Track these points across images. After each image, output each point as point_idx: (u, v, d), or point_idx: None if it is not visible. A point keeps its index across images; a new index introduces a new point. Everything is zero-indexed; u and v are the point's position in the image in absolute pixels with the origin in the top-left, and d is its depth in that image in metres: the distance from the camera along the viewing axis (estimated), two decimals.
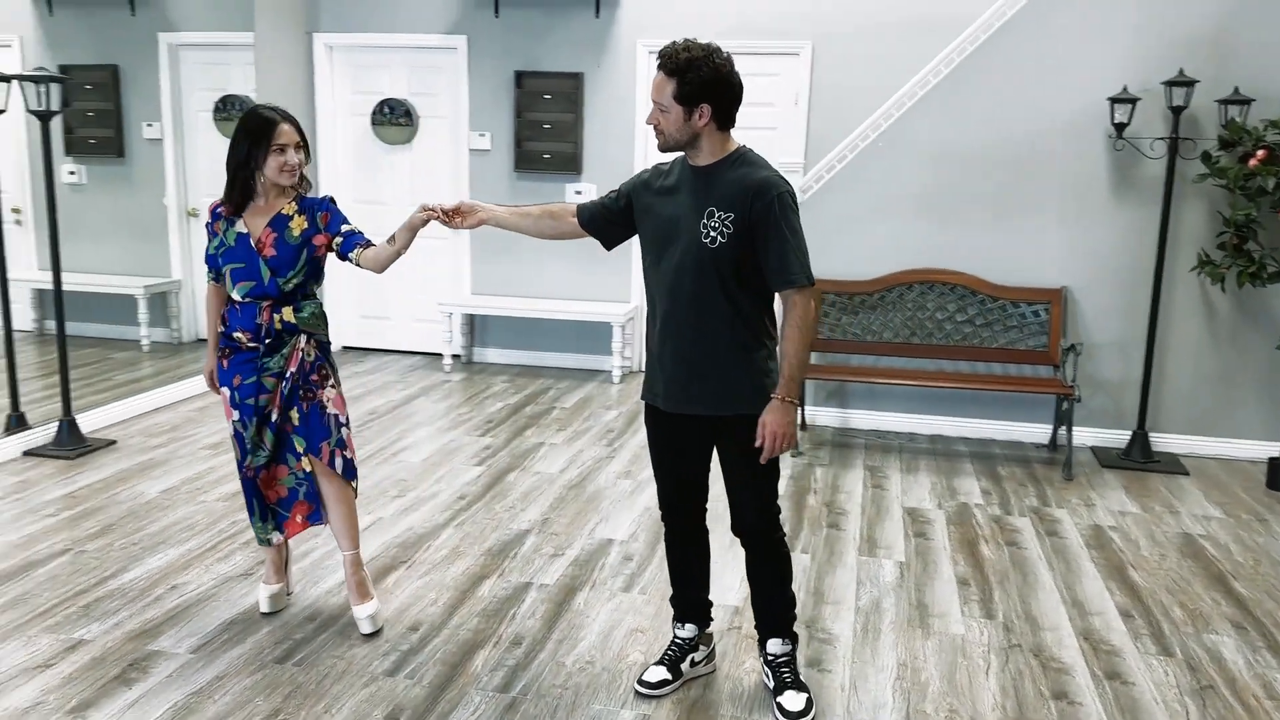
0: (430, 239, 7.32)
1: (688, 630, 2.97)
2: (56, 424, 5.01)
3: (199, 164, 7.04)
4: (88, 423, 5.23)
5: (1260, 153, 4.70)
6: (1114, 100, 5.05)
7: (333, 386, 3.17)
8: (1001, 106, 5.37)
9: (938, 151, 5.47)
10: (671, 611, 3.03)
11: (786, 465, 5.03)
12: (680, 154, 2.75)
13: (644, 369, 2.94)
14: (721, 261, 2.62)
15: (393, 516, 4.23)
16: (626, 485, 4.66)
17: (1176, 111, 4.97)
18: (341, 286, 7.51)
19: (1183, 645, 3.26)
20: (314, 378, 3.12)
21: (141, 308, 6.78)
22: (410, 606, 3.42)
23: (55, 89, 4.83)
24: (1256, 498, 4.73)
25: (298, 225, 3.06)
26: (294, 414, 3.11)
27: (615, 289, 6.99)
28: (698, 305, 2.66)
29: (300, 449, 3.14)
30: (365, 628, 3.20)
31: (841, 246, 5.63)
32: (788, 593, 2.86)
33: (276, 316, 3.05)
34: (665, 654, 2.98)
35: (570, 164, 6.89)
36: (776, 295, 2.71)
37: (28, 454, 4.91)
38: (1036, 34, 5.26)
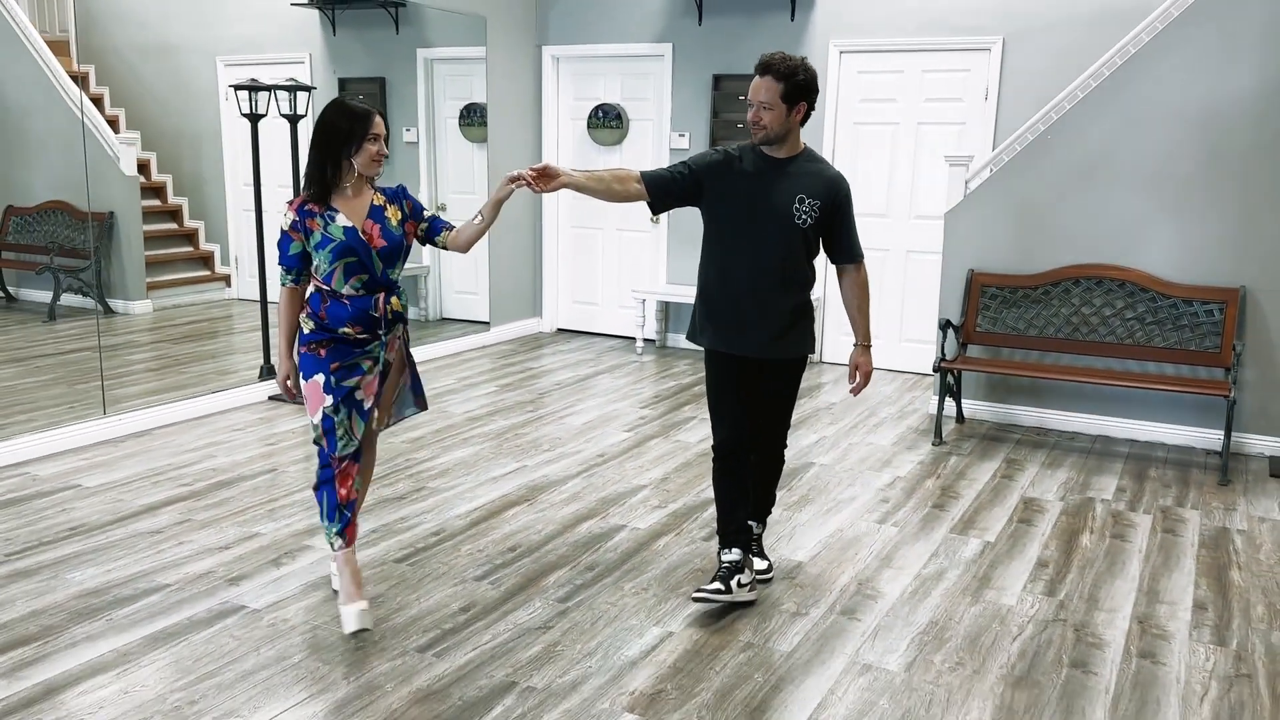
0: (632, 231, 7.93)
1: (735, 554, 3.36)
2: None
3: (448, 164, 8.03)
4: None
5: None
6: None
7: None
8: (1179, 96, 5.18)
9: (1108, 144, 5.35)
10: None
11: (921, 450, 5.15)
12: (749, 145, 3.31)
13: (707, 325, 3.35)
14: (807, 239, 3.26)
15: (534, 465, 4.81)
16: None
17: None
18: (558, 274, 8.27)
19: (1243, 639, 3.19)
20: (405, 359, 3.30)
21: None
22: (516, 533, 3.96)
23: (302, 96, 5.82)
24: None
25: (394, 214, 3.13)
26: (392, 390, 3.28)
27: None
28: (784, 272, 3.27)
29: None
30: (359, 623, 3.08)
31: (1005, 241, 5.63)
32: (775, 491, 3.60)
33: (388, 306, 3.09)
34: (717, 574, 3.35)
35: None
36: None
37: (272, 398, 5.93)
38: (1219, 16, 5.03)
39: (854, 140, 7.00)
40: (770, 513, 3.65)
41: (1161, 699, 2.82)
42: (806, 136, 6.87)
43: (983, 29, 6.48)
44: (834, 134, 7.02)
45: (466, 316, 8.12)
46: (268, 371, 6.04)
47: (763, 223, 3.22)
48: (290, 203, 3.09)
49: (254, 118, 5.84)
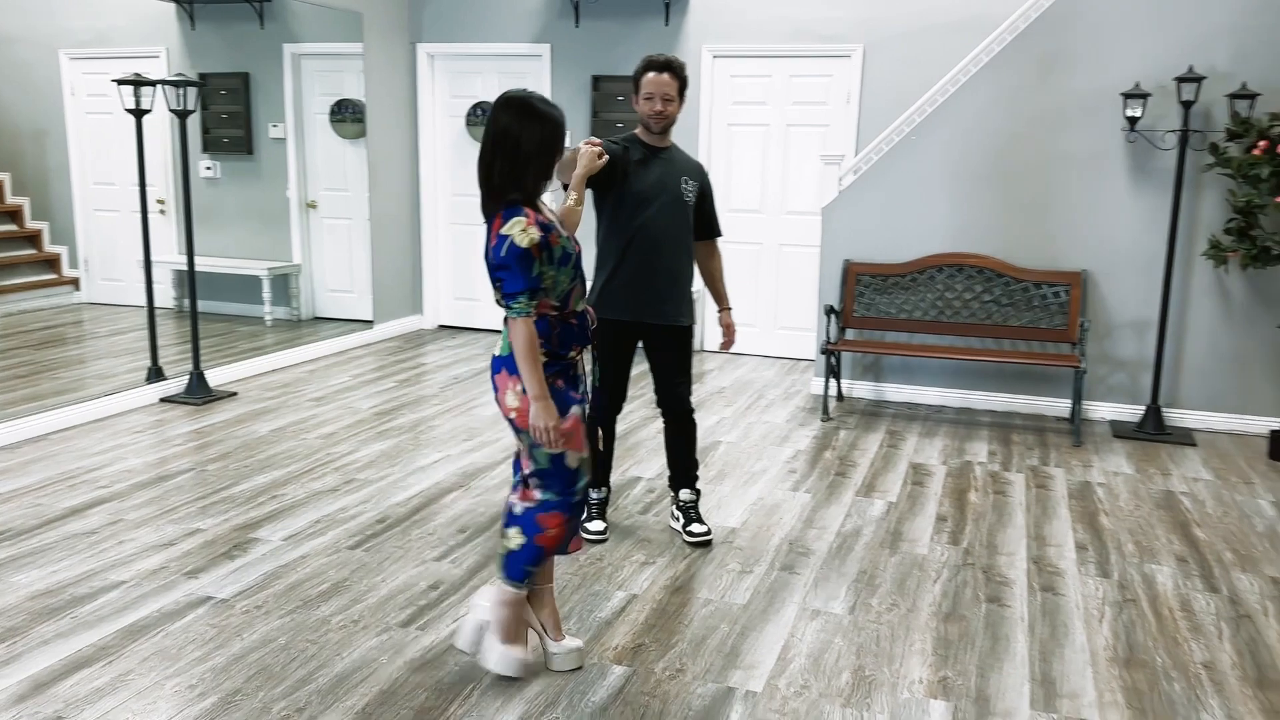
0: None
1: (603, 492, 3.98)
2: (188, 376, 5.92)
3: (317, 161, 7.95)
4: (214, 378, 6.13)
5: (1262, 143, 5.03)
6: (1127, 95, 5.43)
7: None
8: (1026, 101, 5.79)
9: (965, 144, 5.92)
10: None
11: (812, 426, 5.58)
12: (629, 136, 3.72)
13: (618, 299, 3.66)
14: (691, 214, 3.77)
15: (458, 454, 4.94)
16: (657, 440, 5.27)
17: (1186, 106, 5.32)
18: (438, 271, 8.34)
19: (1123, 571, 3.71)
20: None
21: (265, 288, 7.70)
22: (461, 516, 4.11)
23: (192, 92, 5.73)
24: (1254, 466, 5.05)
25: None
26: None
27: None
28: (679, 245, 3.74)
29: None
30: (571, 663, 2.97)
31: (876, 233, 6.13)
32: (695, 454, 3.94)
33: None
34: (592, 512, 3.91)
35: None
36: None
37: (164, 400, 5.81)
38: (1058, 32, 5.66)
39: (727, 140, 7.40)
40: (698, 478, 4.00)
41: (1068, 623, 3.28)
42: (684, 135, 7.24)
43: (844, 37, 6.99)
44: (709, 134, 7.40)
45: (342, 315, 8.08)
46: (155, 374, 5.90)
47: (664, 202, 3.67)
48: (526, 215, 2.60)
49: (139, 113, 5.70)
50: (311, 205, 7.96)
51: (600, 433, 3.88)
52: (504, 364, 2.71)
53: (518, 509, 2.82)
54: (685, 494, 3.95)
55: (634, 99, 3.70)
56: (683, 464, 3.94)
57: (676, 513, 3.98)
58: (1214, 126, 5.44)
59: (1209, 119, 5.44)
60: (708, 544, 3.83)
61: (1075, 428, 5.43)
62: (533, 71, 7.82)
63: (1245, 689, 2.88)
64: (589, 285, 3.79)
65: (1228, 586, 3.58)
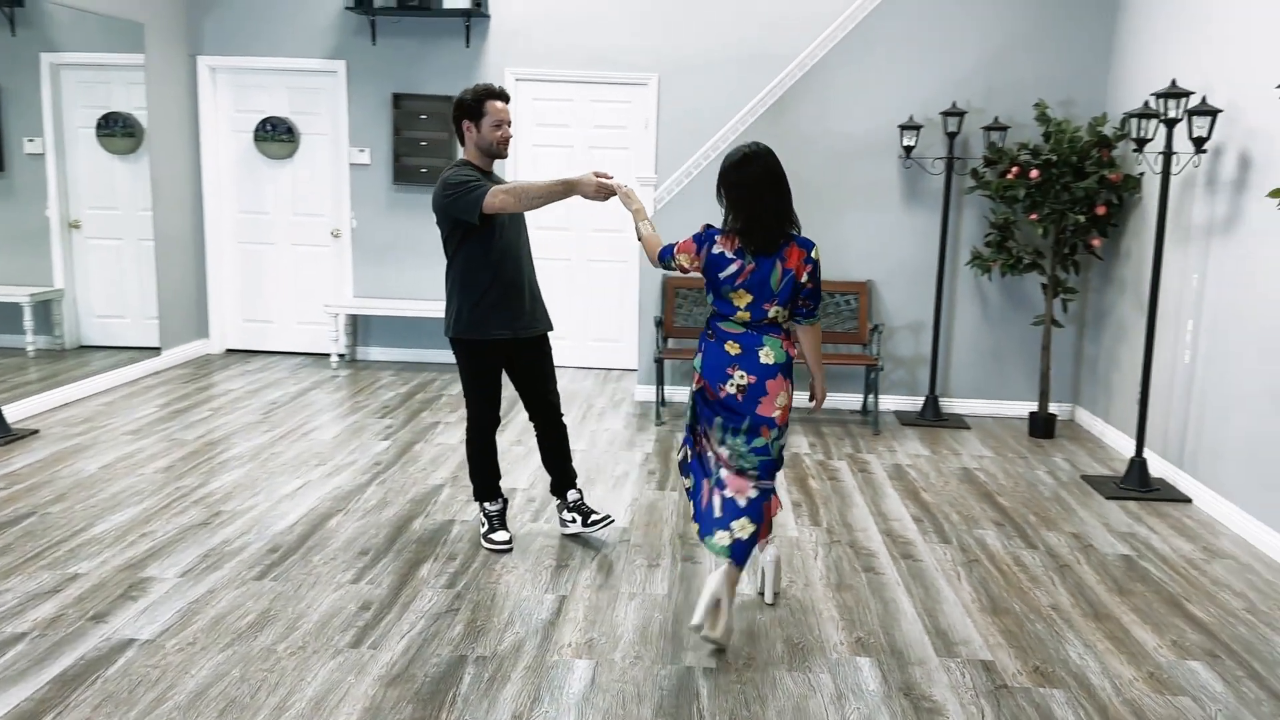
0: (308, 246, 7.91)
1: (499, 503, 4.13)
2: None
3: (80, 178, 7.41)
4: (7, 415, 5.63)
5: (1014, 169, 5.95)
6: (902, 127, 6.23)
7: None
8: (816, 130, 6.47)
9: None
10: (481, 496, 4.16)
11: (650, 431, 5.96)
12: (462, 162, 3.88)
13: (491, 316, 3.90)
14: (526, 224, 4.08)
15: (319, 479, 4.90)
16: (520, 450, 5.47)
17: (951, 136, 6.18)
18: (223, 292, 7.99)
19: (958, 537, 4.35)
20: None
21: (27, 315, 7.09)
22: (356, 539, 4.13)
23: None
24: (1020, 442, 5.96)
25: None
26: None
27: None
28: (529, 259, 4.05)
29: None
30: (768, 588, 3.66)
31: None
32: (570, 458, 4.23)
33: None
34: (495, 523, 4.08)
35: None
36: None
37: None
38: (848, 64, 6.38)
39: (532, 161, 7.66)
40: (576, 475, 4.27)
41: (935, 583, 3.84)
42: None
43: (640, 66, 7.45)
44: (514, 154, 7.61)
45: (112, 343, 7.57)
46: None
47: (515, 223, 3.93)
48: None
49: None
50: (75, 225, 7.41)
51: (484, 445, 4.07)
52: (781, 370, 3.30)
53: (741, 502, 3.27)
54: (573, 494, 4.19)
55: (470, 126, 3.84)
56: (563, 466, 4.18)
57: (569, 515, 4.17)
58: (971, 154, 6.34)
59: (967, 147, 6.34)
60: (610, 522, 4.13)
61: (874, 419, 6.16)
62: (327, 88, 7.71)
63: (1088, 623, 3.53)
64: (458, 309, 3.92)
65: (1042, 543, 4.30)
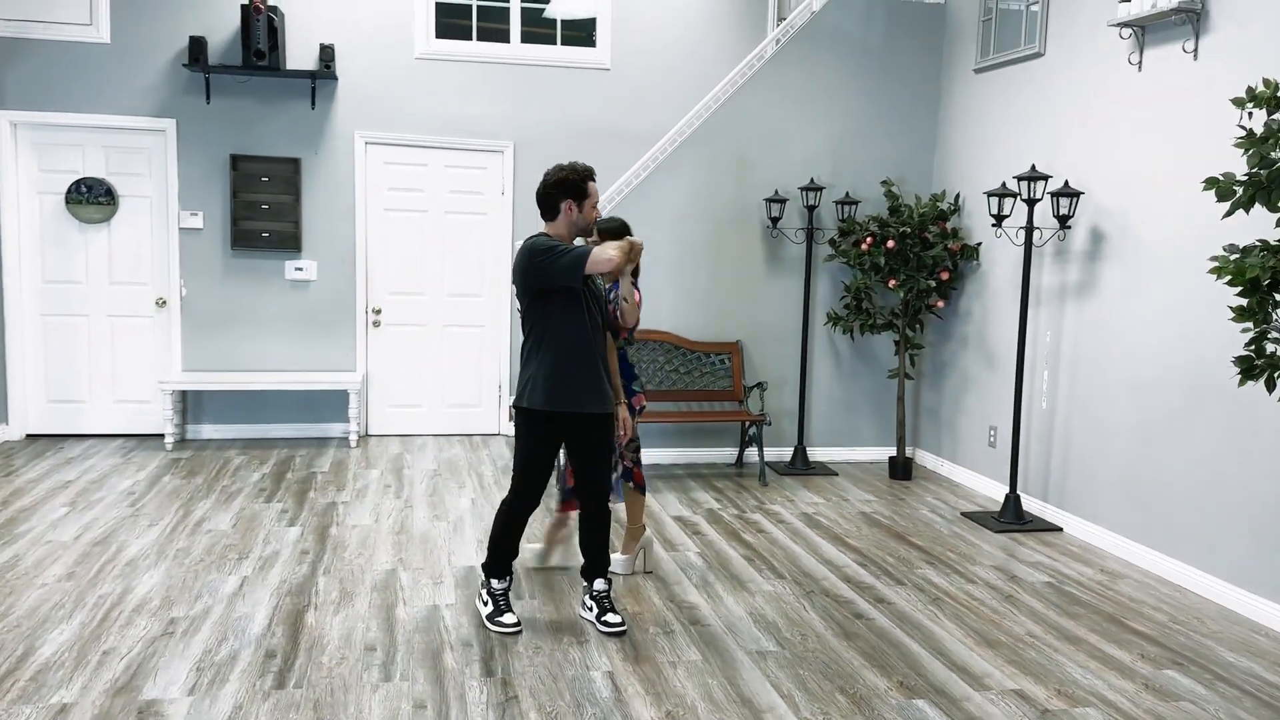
0: (127, 317, 7.25)
1: (506, 582, 4.09)
2: None
3: None
4: None
5: (869, 239, 6.60)
6: (768, 200, 6.74)
7: None
8: (687, 203, 6.84)
9: (648, 239, 6.79)
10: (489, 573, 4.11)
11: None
12: (544, 235, 3.98)
13: (559, 391, 3.89)
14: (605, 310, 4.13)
15: (254, 574, 4.55)
16: (443, 526, 5.34)
17: (810, 209, 6.76)
18: (26, 368, 7.13)
19: (907, 578, 4.77)
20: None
21: None
22: (350, 634, 3.91)
23: None
24: (887, 485, 6.55)
25: None
26: None
27: (339, 360, 7.46)
28: (601, 338, 4.05)
29: None
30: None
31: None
32: (608, 544, 4.14)
33: None
34: (500, 604, 4.03)
35: (290, 242, 7.28)
36: None
37: None
38: (708, 142, 6.81)
39: (384, 225, 7.48)
40: (608, 569, 4.12)
41: (923, 622, 4.20)
42: (339, 219, 7.21)
43: (496, 133, 7.52)
44: (365, 218, 7.41)
45: None
46: None
47: (589, 300, 3.95)
48: None
49: None
50: None
51: (519, 522, 4.04)
52: None
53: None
54: (600, 584, 4.08)
55: (571, 206, 3.91)
56: (598, 552, 4.10)
57: (590, 602, 4.09)
58: (821, 224, 6.95)
59: (819, 219, 6.95)
60: (622, 633, 3.98)
61: (761, 471, 6.55)
62: (153, 147, 7.15)
63: (1067, 645, 4.02)
64: (529, 377, 3.93)
65: (975, 577, 4.80)
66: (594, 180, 3.97)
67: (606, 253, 3.76)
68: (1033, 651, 3.93)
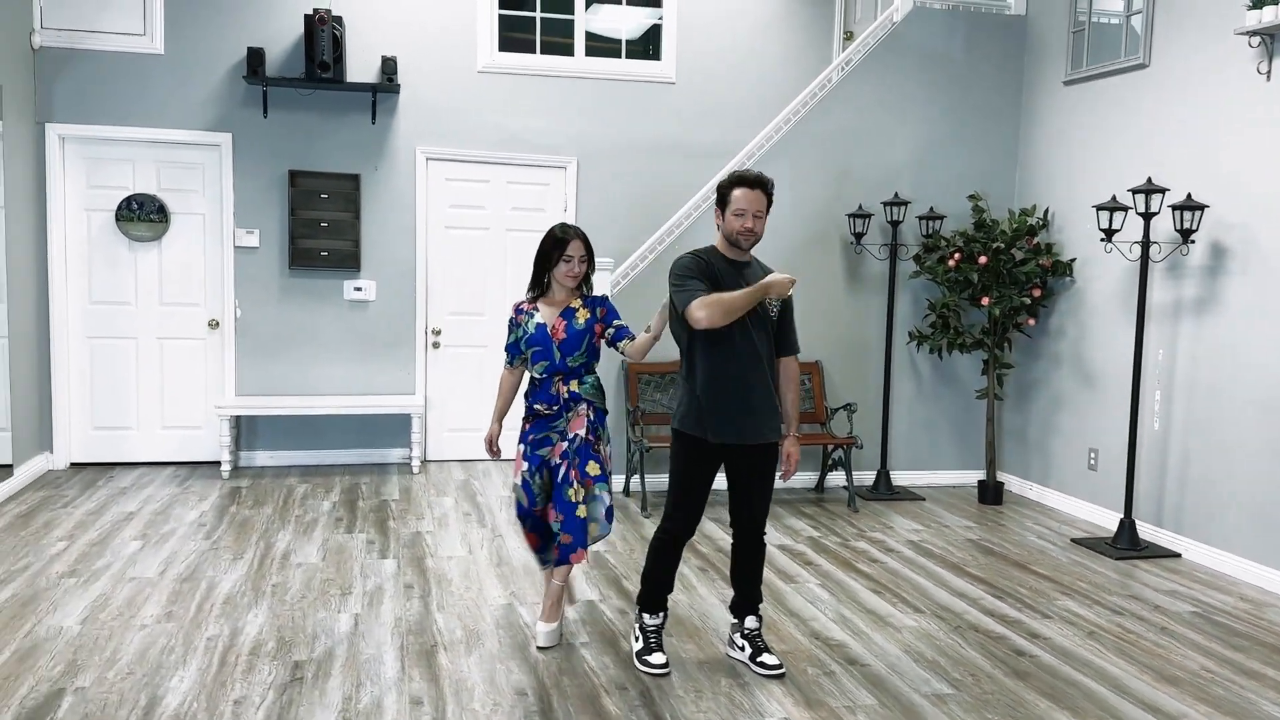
0: (178, 339, 6.95)
1: (659, 618, 3.83)
2: None
3: None
4: None
5: (956, 255, 6.40)
6: (852, 215, 6.54)
7: (604, 445, 3.93)
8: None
9: None
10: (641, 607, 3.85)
11: (640, 522, 5.73)
12: (709, 250, 3.74)
13: (708, 416, 3.62)
14: (772, 329, 3.71)
15: (365, 611, 4.26)
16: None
17: (894, 225, 6.57)
18: (71, 394, 6.80)
19: (1050, 609, 4.53)
20: (590, 437, 3.87)
21: None
22: (493, 676, 3.63)
23: None
24: (979, 510, 6.33)
25: (583, 315, 3.85)
26: (579, 467, 3.84)
27: (398, 383, 7.18)
28: (768, 362, 3.69)
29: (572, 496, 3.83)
30: (543, 641, 3.92)
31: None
32: (761, 580, 3.85)
33: (564, 388, 3.85)
34: (653, 641, 3.78)
35: (350, 261, 7.01)
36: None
37: None
38: (789, 154, 6.60)
39: (444, 243, 7.22)
40: (760, 605, 3.83)
41: (1089, 659, 3.97)
42: (401, 235, 6.96)
43: (558, 149, 7.30)
44: (425, 236, 7.15)
45: None
46: None
47: (748, 318, 3.60)
48: (515, 304, 3.98)
49: None
50: None
51: (671, 553, 3.77)
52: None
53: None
54: (751, 622, 3.80)
55: (719, 213, 3.69)
56: (749, 588, 3.82)
57: (740, 640, 3.82)
58: (901, 240, 6.74)
59: (900, 235, 6.75)
60: (781, 676, 3.71)
61: (850, 498, 6.31)
62: (208, 162, 6.87)
63: (1248, 680, 3.80)
64: (681, 400, 3.72)
65: (1118, 607, 4.58)
66: (748, 186, 3.65)
67: (701, 310, 3.46)
68: (1218, 688, 3.71)
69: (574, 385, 3.88)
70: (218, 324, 6.97)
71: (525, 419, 3.95)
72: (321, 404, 6.86)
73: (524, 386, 4.03)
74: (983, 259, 6.27)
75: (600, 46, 7.40)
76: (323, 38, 6.57)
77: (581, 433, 3.85)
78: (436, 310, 7.25)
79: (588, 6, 7.33)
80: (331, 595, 4.44)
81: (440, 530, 5.52)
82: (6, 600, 4.26)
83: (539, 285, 3.93)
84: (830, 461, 6.64)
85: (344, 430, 7.15)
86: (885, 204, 6.56)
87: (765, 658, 3.74)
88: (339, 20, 6.72)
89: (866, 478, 6.82)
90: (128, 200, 6.78)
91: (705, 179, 6.89)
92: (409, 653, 3.83)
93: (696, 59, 7.44)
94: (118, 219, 6.78)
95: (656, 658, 3.72)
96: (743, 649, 3.82)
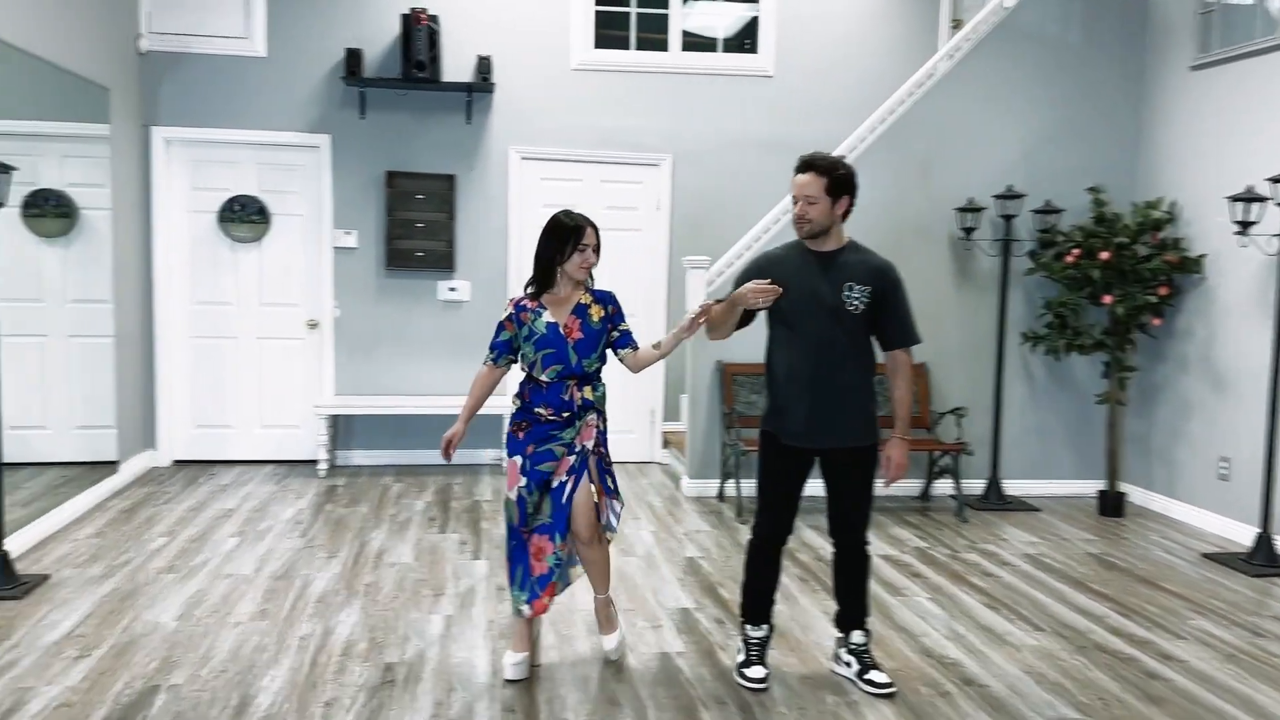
0: (278, 339, 7.00)
1: (763, 630, 3.62)
2: None
3: None
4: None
5: (1075, 251, 6.04)
6: (961, 210, 6.24)
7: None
8: (867, 215, 6.33)
9: None
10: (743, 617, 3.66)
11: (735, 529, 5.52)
12: (793, 244, 3.51)
13: (778, 416, 3.47)
14: (859, 322, 3.40)
15: (457, 613, 4.16)
16: (635, 562, 4.91)
17: (1007, 219, 6.24)
18: (174, 393, 6.91)
19: (1182, 629, 4.19)
20: (600, 449, 3.52)
21: None
22: (601, 688, 3.49)
23: None
24: (1099, 522, 5.95)
25: (597, 313, 3.46)
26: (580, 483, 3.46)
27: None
28: (840, 359, 3.40)
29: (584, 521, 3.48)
30: (613, 654, 3.68)
31: (745, 333, 6.28)
32: (865, 594, 3.60)
33: (579, 394, 3.42)
34: (753, 654, 3.57)
35: (444, 262, 6.99)
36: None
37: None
38: (889, 157, 6.33)
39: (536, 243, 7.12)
40: (866, 619, 3.61)
41: (1232, 685, 3.64)
42: (493, 236, 6.85)
43: (653, 147, 7.16)
44: (519, 236, 7.08)
45: (28, 458, 6.32)
46: None
47: (819, 314, 3.39)
48: (511, 299, 3.52)
49: None
50: None
51: (754, 555, 3.60)
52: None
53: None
54: (857, 636, 3.58)
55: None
56: (851, 600, 3.59)
57: (846, 656, 3.60)
58: (1014, 236, 6.39)
59: (1013, 229, 6.40)
60: (891, 695, 3.47)
61: (959, 508, 6.00)
62: (308, 164, 6.92)
63: None
64: (765, 398, 3.57)
65: (1263, 630, 4.21)
66: (799, 172, 3.40)
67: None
68: None
69: (588, 391, 3.45)
70: (316, 324, 7.01)
71: (518, 424, 3.47)
72: (416, 404, 6.85)
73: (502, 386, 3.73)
74: (1104, 255, 5.91)
75: (696, 41, 7.24)
76: (419, 37, 6.56)
77: (590, 444, 3.47)
78: None
79: (685, 2, 7.18)
80: (424, 596, 4.36)
81: None
82: (107, 595, 4.28)
83: (547, 279, 3.44)
84: (936, 469, 6.34)
85: (438, 430, 6.98)
86: (997, 197, 6.23)
87: (874, 675, 3.51)
88: (435, 19, 6.70)
89: (975, 487, 6.48)
90: (230, 201, 6.86)
91: None
92: (501, 658, 3.71)
93: (796, 51, 7.22)
94: (220, 220, 6.88)
95: (755, 671, 3.53)
96: (849, 664, 3.60)
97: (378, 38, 6.84)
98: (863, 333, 3.45)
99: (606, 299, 3.51)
